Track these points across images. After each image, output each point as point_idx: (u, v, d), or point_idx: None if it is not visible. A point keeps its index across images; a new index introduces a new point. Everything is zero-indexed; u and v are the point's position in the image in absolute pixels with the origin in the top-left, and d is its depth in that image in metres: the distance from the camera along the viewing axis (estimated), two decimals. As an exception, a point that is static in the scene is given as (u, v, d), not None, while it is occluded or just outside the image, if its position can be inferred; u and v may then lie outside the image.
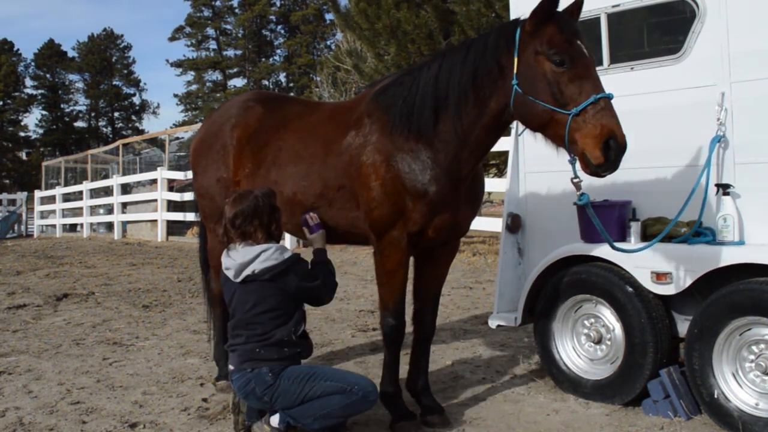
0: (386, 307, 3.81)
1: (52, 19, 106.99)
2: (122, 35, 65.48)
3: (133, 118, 65.86)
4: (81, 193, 22.08)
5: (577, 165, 3.27)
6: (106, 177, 23.85)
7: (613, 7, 4.26)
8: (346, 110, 4.08)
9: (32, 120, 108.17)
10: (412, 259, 3.94)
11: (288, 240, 13.06)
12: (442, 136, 3.59)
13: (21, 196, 28.27)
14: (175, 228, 17.77)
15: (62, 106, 62.80)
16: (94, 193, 22.27)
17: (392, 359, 3.87)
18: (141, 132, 58.94)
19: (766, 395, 3.49)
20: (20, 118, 60.21)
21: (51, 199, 25.01)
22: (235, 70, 61.03)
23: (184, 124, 53.91)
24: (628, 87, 4.23)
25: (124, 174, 21.78)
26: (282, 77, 60.07)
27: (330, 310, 7.29)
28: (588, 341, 4.24)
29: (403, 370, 4.06)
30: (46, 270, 11.63)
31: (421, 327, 4.05)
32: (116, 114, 65.63)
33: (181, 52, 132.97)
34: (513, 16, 4.86)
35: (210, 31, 61.27)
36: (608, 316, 4.14)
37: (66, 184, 26.17)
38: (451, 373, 4.89)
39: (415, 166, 3.61)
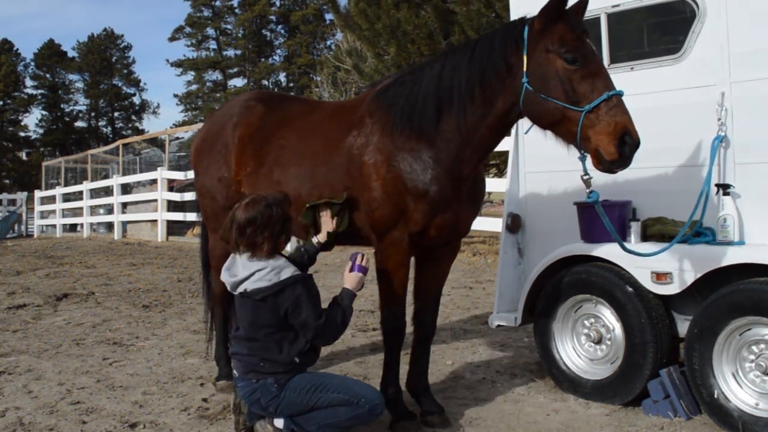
0: (387, 307, 3.81)
1: (52, 19, 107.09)
2: (122, 35, 65.54)
3: (133, 118, 65.88)
4: (81, 193, 22.08)
5: (588, 162, 3.27)
6: (106, 177, 23.85)
7: (613, 7, 4.26)
8: (348, 110, 4.08)
9: (32, 120, 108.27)
10: (412, 259, 3.94)
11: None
12: (444, 135, 3.58)
13: (21, 196, 28.25)
14: (175, 228, 17.76)
15: (62, 106, 62.80)
16: (94, 193, 22.26)
17: (392, 359, 3.87)
18: (141, 132, 58.94)
19: (766, 395, 3.49)
20: (20, 118, 60.26)
21: (51, 199, 25.00)
22: (235, 70, 61.04)
23: (184, 124, 53.91)
24: (628, 87, 4.21)
25: (124, 174, 21.78)
26: (282, 77, 60.11)
27: (330, 310, 7.29)
28: (588, 341, 4.24)
29: (403, 370, 4.06)
30: (46, 270, 11.63)
31: (421, 327, 4.04)
32: (116, 114, 65.63)
33: (181, 52, 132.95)
34: (513, 16, 4.86)
35: (210, 31, 61.29)
36: (608, 316, 4.14)
37: (66, 184, 26.16)
38: (451, 373, 4.89)
39: (417, 166, 3.61)
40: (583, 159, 3.30)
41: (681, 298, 3.92)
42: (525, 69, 3.31)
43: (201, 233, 5.10)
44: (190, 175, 16.12)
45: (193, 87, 61.34)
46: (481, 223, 10.41)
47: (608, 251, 4.05)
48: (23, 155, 58.79)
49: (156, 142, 30.34)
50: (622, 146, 3.12)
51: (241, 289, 3.34)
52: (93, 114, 64.44)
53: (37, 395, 4.59)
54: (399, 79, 3.85)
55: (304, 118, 4.27)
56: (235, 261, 3.43)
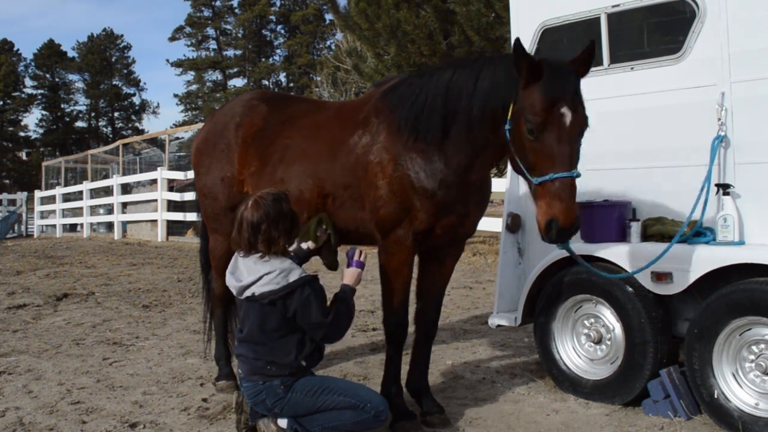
0: (390, 306, 3.80)
1: (52, 19, 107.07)
2: (122, 35, 65.51)
3: (133, 118, 65.86)
4: (81, 193, 22.08)
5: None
6: (106, 177, 23.84)
7: (613, 7, 4.26)
8: (353, 109, 4.08)
9: (32, 120, 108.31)
10: (416, 258, 3.94)
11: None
12: (451, 145, 3.57)
13: (21, 196, 28.25)
14: (175, 228, 17.76)
15: (62, 106, 62.77)
16: (94, 193, 22.26)
17: (394, 359, 3.87)
18: (141, 132, 58.93)
19: (766, 395, 3.49)
20: (20, 118, 60.22)
21: (51, 199, 25.01)
22: (235, 70, 61.04)
23: (184, 124, 53.93)
24: (628, 87, 4.24)
25: (124, 174, 21.77)
26: (282, 77, 60.10)
27: (330, 310, 7.29)
28: (588, 341, 4.24)
29: (404, 370, 4.06)
30: (46, 270, 11.62)
31: (423, 327, 4.04)
32: (116, 114, 65.61)
33: (181, 52, 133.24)
34: (513, 16, 4.87)
35: (210, 31, 61.30)
36: (608, 316, 4.14)
37: (66, 184, 26.16)
38: (451, 373, 4.89)
39: (425, 167, 3.60)
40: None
41: (681, 298, 3.92)
42: (509, 116, 3.26)
43: (201, 233, 5.09)
44: (190, 175, 16.12)
45: (193, 87, 61.35)
46: (481, 223, 10.39)
47: (608, 251, 4.05)
48: (23, 155, 58.79)
49: (156, 142, 30.33)
50: (548, 230, 3.10)
51: (248, 293, 3.32)
52: (93, 114, 64.42)
53: (37, 395, 4.59)
54: (405, 80, 3.83)
55: (309, 117, 4.27)
56: (237, 265, 3.41)
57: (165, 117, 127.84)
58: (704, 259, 3.66)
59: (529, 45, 4.71)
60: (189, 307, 7.84)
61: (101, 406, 4.32)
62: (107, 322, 7.03)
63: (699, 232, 3.85)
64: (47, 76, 62.13)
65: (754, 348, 3.55)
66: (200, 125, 5.26)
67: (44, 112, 61.63)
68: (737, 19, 3.82)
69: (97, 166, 26.07)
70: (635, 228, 4.05)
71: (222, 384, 4.54)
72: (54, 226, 23.91)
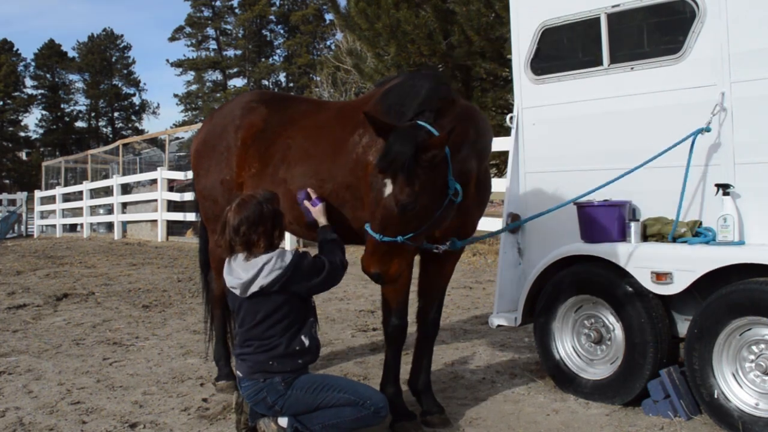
0: (389, 307, 3.80)
1: (52, 19, 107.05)
2: (122, 35, 65.60)
3: (133, 118, 65.91)
4: (81, 193, 22.08)
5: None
6: (106, 177, 23.85)
7: (613, 7, 4.27)
8: (354, 109, 4.07)
9: (32, 120, 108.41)
10: (417, 258, 3.93)
11: (288, 241, 13.05)
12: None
13: (21, 196, 28.26)
14: (175, 228, 17.76)
15: (62, 106, 62.82)
16: (94, 193, 22.27)
17: (393, 359, 3.86)
18: (141, 132, 58.99)
19: (766, 395, 3.49)
20: (20, 118, 60.29)
21: (51, 199, 25.01)
22: (235, 70, 61.07)
23: (184, 124, 53.93)
24: (628, 87, 4.24)
25: (124, 174, 21.78)
26: (282, 77, 60.14)
27: (330, 310, 7.30)
28: (588, 341, 4.24)
29: (405, 369, 4.06)
30: (46, 270, 11.63)
31: (424, 326, 4.04)
32: (116, 114, 65.65)
33: (181, 52, 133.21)
34: (513, 16, 4.87)
35: (210, 31, 61.34)
36: (608, 316, 4.14)
37: (66, 184, 26.17)
38: (451, 373, 4.89)
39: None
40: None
41: (681, 298, 3.92)
42: None
43: (200, 234, 5.09)
44: (190, 175, 16.00)
45: (193, 87, 61.38)
46: (481, 223, 10.40)
47: (608, 251, 4.05)
48: (23, 155, 58.81)
49: (156, 142, 30.34)
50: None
51: (254, 288, 3.34)
52: (93, 114, 64.45)
53: (37, 395, 4.59)
54: (403, 81, 3.81)
55: (310, 117, 4.27)
56: (231, 267, 3.44)
57: (165, 117, 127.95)
58: (704, 259, 3.67)
59: (529, 45, 4.71)
60: (189, 307, 7.84)
61: (101, 406, 4.32)
62: (107, 322, 7.04)
63: (699, 232, 3.86)
64: (47, 76, 62.17)
65: (754, 348, 3.55)
66: (200, 125, 5.25)
67: (44, 112, 61.72)
68: (737, 19, 3.82)
69: (97, 166, 26.08)
70: (635, 228, 4.05)
71: (222, 384, 4.54)
72: (54, 226, 23.91)
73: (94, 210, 21.93)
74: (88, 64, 62.12)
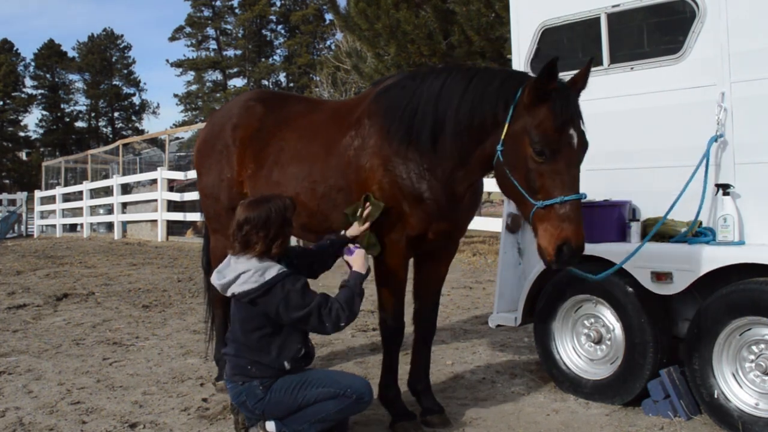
0: (386, 309, 3.80)
1: (52, 19, 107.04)
2: (122, 35, 65.49)
3: (133, 118, 65.85)
4: (81, 193, 22.08)
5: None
6: (106, 177, 23.85)
7: (613, 7, 4.27)
8: (348, 109, 4.06)
9: (32, 120, 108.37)
10: (411, 259, 3.94)
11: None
12: (439, 153, 3.52)
13: (21, 196, 28.24)
14: (175, 228, 17.77)
15: (62, 106, 62.76)
16: (94, 193, 22.27)
17: (391, 360, 3.87)
18: (141, 132, 58.96)
19: (766, 395, 3.49)
20: (20, 118, 60.20)
21: (51, 199, 25.01)
22: (235, 70, 61.03)
23: (184, 124, 53.93)
24: (628, 87, 4.24)
25: (124, 174, 21.78)
26: (282, 77, 60.08)
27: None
28: (588, 341, 4.24)
29: (404, 370, 4.06)
30: (46, 270, 11.62)
31: (421, 327, 4.04)
32: (116, 114, 65.59)
33: (181, 52, 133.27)
34: (513, 16, 4.87)
35: (210, 31, 61.29)
36: (608, 316, 4.14)
37: (66, 184, 26.17)
38: (451, 373, 4.89)
39: (412, 174, 3.58)
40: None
41: (681, 298, 3.92)
42: (503, 136, 3.18)
43: (204, 233, 5.10)
44: (190, 175, 16.13)
45: (193, 87, 61.33)
46: (481, 223, 10.43)
47: (608, 251, 4.05)
48: (23, 155, 58.77)
49: (156, 142, 30.34)
50: (559, 253, 3.06)
51: (229, 292, 3.31)
52: (93, 114, 64.40)
53: (37, 395, 4.59)
54: (399, 82, 3.80)
55: (304, 118, 4.26)
56: (228, 263, 3.40)
57: (165, 117, 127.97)
58: (704, 259, 3.66)
59: (529, 45, 4.71)
60: (189, 307, 7.84)
61: (101, 406, 4.32)
62: (107, 322, 7.03)
63: (699, 232, 3.86)
64: (47, 76, 62.13)
65: (754, 348, 3.55)
66: (200, 125, 5.27)
67: (44, 112, 61.66)
68: (737, 19, 3.82)
69: (97, 166, 26.08)
70: (635, 228, 4.05)
71: (222, 384, 4.53)
72: (54, 226, 23.91)
73: (94, 210, 21.93)
74: (88, 64, 62.08)
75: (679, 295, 3.83)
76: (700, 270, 3.67)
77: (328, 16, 50.52)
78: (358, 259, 3.48)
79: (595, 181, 4.17)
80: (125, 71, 65.09)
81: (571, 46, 4.72)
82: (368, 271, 3.50)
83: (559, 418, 3.94)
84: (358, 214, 3.61)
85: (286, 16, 59.23)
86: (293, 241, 13.95)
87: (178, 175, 17.81)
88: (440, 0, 11.35)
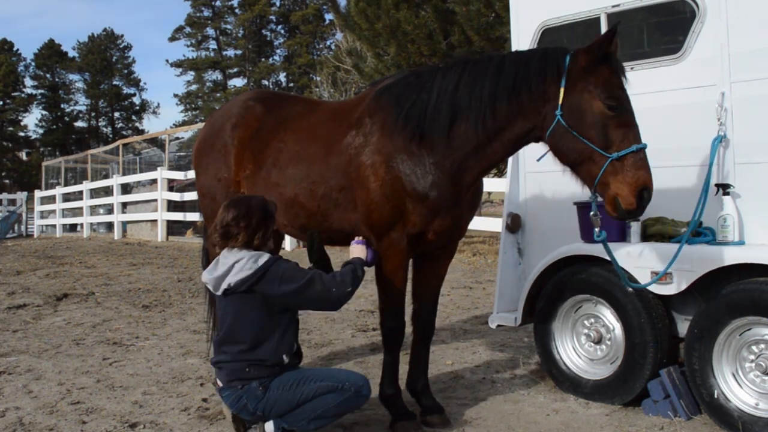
0: (386, 308, 3.80)
1: (52, 19, 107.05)
2: (122, 35, 65.48)
3: (133, 118, 65.83)
4: (81, 193, 22.09)
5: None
6: (106, 177, 23.85)
7: (613, 7, 4.27)
8: (347, 109, 4.07)
9: (32, 120, 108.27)
10: (410, 260, 3.93)
11: (288, 242, 13.06)
12: (451, 143, 3.54)
13: (21, 196, 28.25)
14: (175, 228, 17.77)
15: (62, 106, 62.75)
16: (94, 193, 22.27)
17: (392, 360, 3.86)
18: (141, 132, 58.94)
19: (766, 395, 3.49)
20: (20, 118, 60.19)
21: (51, 199, 25.01)
22: (235, 70, 61.03)
23: (184, 124, 53.93)
24: (628, 87, 4.23)
25: (124, 174, 21.78)
26: (282, 77, 60.06)
27: (330, 310, 7.29)
28: (588, 341, 4.24)
29: (403, 370, 4.06)
30: (46, 270, 11.62)
31: (420, 327, 4.04)
32: (116, 114, 65.58)
33: (181, 52, 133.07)
34: (513, 16, 4.87)
35: (210, 31, 61.28)
36: (608, 316, 4.14)
37: (66, 184, 26.17)
38: (451, 373, 4.89)
39: (417, 170, 3.58)
40: (594, 199, 3.37)
41: (681, 298, 3.92)
42: (560, 101, 3.28)
43: (203, 234, 5.10)
44: (190, 175, 16.12)
45: (193, 87, 61.33)
46: (481, 223, 10.42)
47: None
48: (23, 155, 58.76)
49: (156, 142, 30.34)
50: (640, 199, 3.18)
51: (224, 285, 3.30)
52: (93, 114, 64.40)
53: (37, 395, 4.59)
54: (402, 80, 3.80)
55: (303, 119, 4.25)
56: (217, 260, 3.40)
57: (165, 117, 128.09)
58: (704, 259, 3.66)
59: (529, 45, 4.71)
60: (189, 307, 7.84)
61: (101, 406, 4.32)
62: (107, 322, 7.04)
63: (699, 232, 3.85)
64: (47, 76, 62.11)
65: (754, 348, 3.55)
66: (200, 125, 5.27)
67: (44, 112, 61.64)
68: (737, 19, 3.82)
69: (97, 166, 26.08)
70: (635, 228, 4.05)
71: (222, 384, 4.53)
72: (54, 226, 23.91)
73: (94, 210, 21.93)
74: (88, 64, 62.07)
75: (679, 295, 3.83)
76: (700, 270, 3.67)
77: (328, 16, 50.58)
78: (356, 249, 3.56)
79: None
80: (125, 71, 65.07)
81: (571, 47, 4.72)
82: (371, 260, 3.57)
83: (559, 418, 3.94)
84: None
85: (286, 16, 59.23)
86: (294, 242, 13.87)
87: (178, 175, 17.81)
88: (440, 0, 11.35)
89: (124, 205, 19.96)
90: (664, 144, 4.08)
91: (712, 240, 3.81)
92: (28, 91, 61.35)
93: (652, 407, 3.87)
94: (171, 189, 17.82)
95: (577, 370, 4.26)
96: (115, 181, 19.93)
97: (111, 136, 60.14)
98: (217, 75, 61.55)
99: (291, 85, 56.69)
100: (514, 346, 5.61)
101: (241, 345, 3.33)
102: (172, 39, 61.75)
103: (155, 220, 17.82)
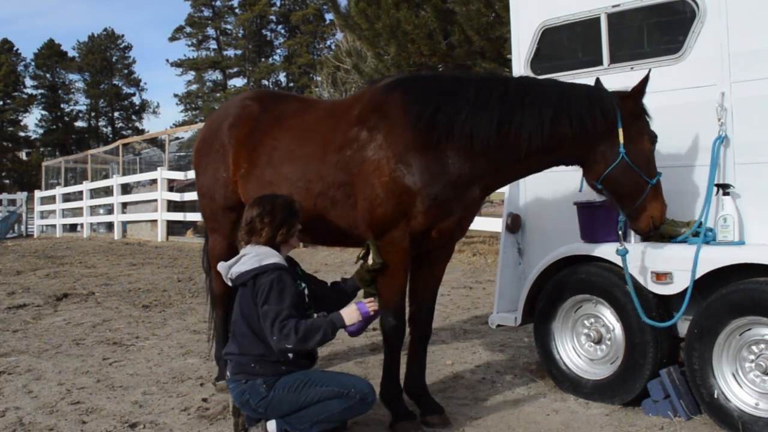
0: (387, 308, 3.78)
1: (52, 18, 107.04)
2: (122, 35, 65.46)
3: (133, 118, 65.84)
4: (81, 193, 22.07)
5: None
6: (106, 177, 23.83)
7: (613, 7, 4.26)
8: (345, 107, 4.06)
9: (32, 120, 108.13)
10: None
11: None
12: (482, 151, 3.58)
13: (21, 196, 28.22)
14: (175, 228, 17.75)
15: (62, 106, 62.76)
16: (94, 193, 22.25)
17: (392, 359, 3.86)
18: (141, 132, 58.93)
19: (766, 395, 3.49)
20: (20, 118, 60.19)
21: (51, 199, 24.99)
22: (235, 70, 61.03)
23: (184, 124, 53.92)
24: (628, 87, 4.23)
25: (124, 174, 21.76)
26: (282, 77, 60.10)
27: (330, 310, 7.29)
28: (588, 341, 4.24)
29: (402, 371, 4.05)
30: (46, 270, 11.62)
31: (418, 328, 4.03)
32: (116, 114, 65.59)
33: (181, 52, 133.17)
34: (513, 16, 4.87)
35: (210, 31, 61.29)
36: (608, 316, 4.14)
37: (66, 184, 26.15)
38: (451, 373, 4.89)
39: (434, 169, 3.58)
40: (622, 219, 3.79)
41: (681, 298, 3.92)
42: (622, 141, 3.60)
43: (204, 233, 5.10)
44: (190, 175, 16.11)
45: (193, 87, 61.35)
46: (481, 223, 10.42)
47: (608, 251, 4.05)
48: (23, 155, 58.75)
49: (156, 142, 30.33)
50: (663, 216, 3.72)
51: (229, 274, 3.38)
52: (93, 114, 64.40)
53: (37, 395, 4.59)
54: (418, 81, 3.87)
55: (298, 117, 4.24)
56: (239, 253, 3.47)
57: (165, 117, 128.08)
58: (704, 259, 3.66)
59: (529, 45, 4.71)
60: (189, 307, 7.84)
61: (101, 406, 4.32)
62: (107, 322, 7.04)
63: (699, 232, 3.85)
64: (47, 76, 62.11)
65: (754, 348, 3.55)
66: (200, 125, 5.28)
67: (44, 112, 61.65)
68: (737, 19, 3.82)
69: (97, 166, 26.06)
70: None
71: (222, 384, 4.53)
72: (54, 226, 23.89)
73: (94, 210, 21.92)
74: (88, 63, 62.07)
75: (679, 295, 3.83)
76: (700, 270, 3.66)
77: (328, 16, 50.59)
78: (349, 310, 3.42)
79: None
80: (125, 71, 65.08)
81: (571, 46, 4.72)
82: (353, 330, 3.45)
83: (559, 418, 3.94)
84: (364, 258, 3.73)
85: (286, 16, 59.24)
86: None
87: (178, 175, 17.80)
88: (440, 0, 11.34)
89: (124, 205, 19.95)
90: (664, 144, 4.08)
91: (713, 240, 3.81)
92: (28, 91, 61.42)
93: (652, 407, 3.87)
94: (171, 189, 17.81)
95: (577, 370, 4.26)
96: (115, 181, 19.92)
97: (111, 136, 60.14)
98: (217, 75, 61.58)
99: (291, 85, 56.69)
100: (514, 346, 5.61)
101: (247, 338, 3.35)
102: (172, 39, 61.81)
103: (155, 220, 17.80)
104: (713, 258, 3.65)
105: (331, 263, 11.14)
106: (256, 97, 4.61)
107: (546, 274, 4.37)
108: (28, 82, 61.72)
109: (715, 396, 3.58)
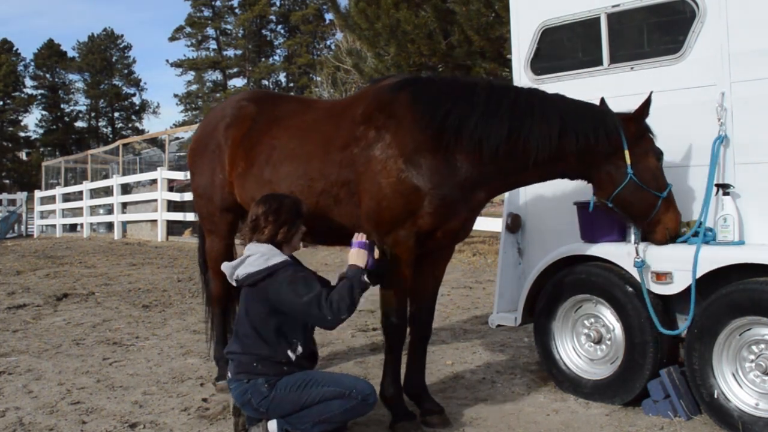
0: (389, 306, 3.78)
1: (52, 18, 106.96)
2: (122, 35, 65.47)
3: (133, 118, 65.84)
4: (81, 193, 22.07)
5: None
6: (106, 177, 23.82)
7: (613, 7, 4.27)
8: (347, 106, 4.05)
9: (32, 120, 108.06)
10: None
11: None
12: (491, 159, 3.59)
13: (21, 196, 28.21)
14: (175, 228, 17.75)
15: (62, 106, 62.75)
16: (94, 193, 22.25)
17: (393, 359, 3.85)
18: (141, 132, 58.92)
19: (766, 395, 3.49)
20: (20, 118, 60.21)
21: (51, 199, 24.99)
22: (235, 70, 61.02)
23: (184, 124, 53.93)
24: (628, 87, 4.23)
25: (124, 174, 21.76)
26: (282, 77, 60.10)
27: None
28: (588, 341, 4.24)
29: (402, 370, 4.05)
30: (46, 270, 11.62)
31: (417, 328, 4.02)
32: (116, 114, 65.59)
33: (181, 52, 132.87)
34: (513, 16, 4.87)
35: (210, 31, 61.28)
36: (608, 316, 4.14)
37: (66, 184, 26.14)
38: (451, 373, 4.89)
39: (444, 170, 3.59)
40: (637, 234, 3.90)
41: (681, 298, 3.92)
42: (629, 162, 3.66)
43: (199, 234, 5.10)
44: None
45: (193, 87, 61.35)
46: (481, 223, 10.41)
47: (608, 251, 4.05)
48: (23, 155, 58.77)
49: (156, 142, 30.34)
50: (679, 224, 3.81)
51: (236, 275, 3.38)
52: (93, 114, 64.40)
53: (37, 395, 4.59)
54: (425, 82, 3.87)
55: (297, 116, 4.23)
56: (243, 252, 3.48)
57: (165, 117, 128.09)
58: (704, 259, 3.66)
59: (529, 45, 4.71)
60: (189, 307, 7.84)
61: (101, 406, 4.32)
62: (107, 322, 7.04)
63: (698, 232, 3.86)
64: (47, 76, 62.11)
65: (754, 348, 3.55)
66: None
67: (44, 112, 61.66)
68: (737, 19, 3.82)
69: (97, 166, 26.05)
70: (635, 228, 4.04)
71: (222, 384, 4.53)
72: (54, 226, 23.89)
73: (94, 210, 21.91)
74: (88, 63, 62.06)
75: (679, 295, 3.83)
76: (700, 270, 3.66)
77: (328, 16, 50.55)
78: (353, 255, 3.48)
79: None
80: (125, 71, 65.08)
81: (571, 46, 4.72)
82: (369, 266, 3.49)
83: (559, 418, 3.94)
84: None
85: (286, 16, 59.24)
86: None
87: (178, 175, 17.79)
88: (440, 0, 11.34)
89: (124, 205, 19.94)
90: (664, 144, 4.08)
91: (712, 240, 3.81)
92: (28, 91, 61.44)
93: (652, 407, 3.87)
94: (171, 189, 17.80)
95: (577, 370, 4.26)
96: (115, 181, 19.92)
97: (111, 136, 60.14)
98: (217, 75, 61.58)
99: (291, 85, 56.72)
100: (514, 346, 5.61)
101: (250, 338, 3.36)
102: (172, 39, 61.79)
103: (155, 220, 17.80)
104: (713, 258, 3.65)
105: (331, 263, 11.14)
106: (252, 98, 4.61)
107: (546, 274, 4.37)
108: (28, 82, 61.81)
109: (715, 396, 3.59)
